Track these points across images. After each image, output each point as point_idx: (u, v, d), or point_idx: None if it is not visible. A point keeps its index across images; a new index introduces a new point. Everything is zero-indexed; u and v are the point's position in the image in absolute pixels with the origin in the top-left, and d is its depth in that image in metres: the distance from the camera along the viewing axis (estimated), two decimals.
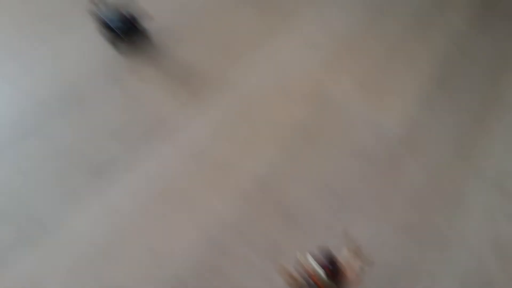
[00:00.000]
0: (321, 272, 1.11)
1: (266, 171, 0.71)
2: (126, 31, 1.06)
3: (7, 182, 0.73)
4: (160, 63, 1.02)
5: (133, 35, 1.08)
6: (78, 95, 0.93)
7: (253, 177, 0.71)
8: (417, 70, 1.28)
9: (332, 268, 1.10)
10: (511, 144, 1.21)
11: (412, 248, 1.17)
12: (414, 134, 1.13)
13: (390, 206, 1.21)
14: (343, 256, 1.15)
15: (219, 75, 0.97)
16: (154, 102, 0.90)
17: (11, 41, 1.08)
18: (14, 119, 0.86)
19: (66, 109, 0.87)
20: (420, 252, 1.16)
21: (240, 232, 1.14)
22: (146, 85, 0.94)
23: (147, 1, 1.21)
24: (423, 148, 1.16)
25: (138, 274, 0.93)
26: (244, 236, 1.14)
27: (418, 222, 1.21)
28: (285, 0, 1.21)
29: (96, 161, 0.74)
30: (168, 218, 0.73)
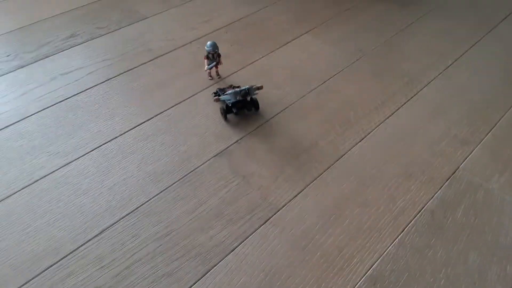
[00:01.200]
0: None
1: (381, 267, 0.64)
2: (239, 105, 1.05)
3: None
4: (267, 136, 0.99)
5: (244, 107, 1.06)
6: (188, 167, 0.90)
7: (365, 273, 0.64)
8: None
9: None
10: None
11: None
12: None
13: None
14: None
15: (331, 151, 0.93)
16: (260, 179, 0.88)
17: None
18: (123, 194, 0.82)
19: (176, 184, 0.84)
20: None
21: None
22: (252, 159, 0.91)
23: (264, 74, 1.17)
24: None
25: None
26: None
27: None
28: (405, 67, 1.16)
29: (198, 242, 0.70)
30: None
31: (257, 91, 1.11)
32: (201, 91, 1.19)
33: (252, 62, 1.31)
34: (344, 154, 1.02)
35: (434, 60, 1.35)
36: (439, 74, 1.29)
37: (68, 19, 1.48)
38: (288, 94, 1.19)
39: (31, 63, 1.28)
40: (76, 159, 0.99)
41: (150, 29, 1.45)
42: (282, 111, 1.14)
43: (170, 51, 1.35)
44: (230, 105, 1.08)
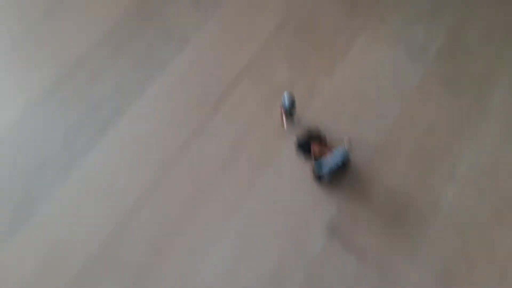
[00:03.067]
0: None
1: None
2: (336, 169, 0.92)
3: None
4: (363, 193, 0.90)
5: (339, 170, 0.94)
6: (305, 255, 0.91)
7: None
8: None
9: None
10: None
11: None
12: None
13: None
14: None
15: (427, 198, 0.89)
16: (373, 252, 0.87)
17: None
18: None
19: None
20: None
21: None
22: (359, 229, 0.86)
23: (333, 105, 1.00)
24: None
25: None
26: None
27: None
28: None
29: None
30: None
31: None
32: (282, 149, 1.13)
33: (317, 89, 1.21)
34: (442, 203, 1.04)
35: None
36: None
37: None
38: (367, 132, 1.15)
39: None
40: None
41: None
42: (368, 158, 1.11)
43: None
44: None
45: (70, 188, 1.10)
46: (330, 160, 1.03)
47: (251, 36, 1.31)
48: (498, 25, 1.30)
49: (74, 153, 1.14)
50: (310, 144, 1.08)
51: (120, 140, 1.15)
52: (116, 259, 1.01)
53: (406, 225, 1.04)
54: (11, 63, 1.28)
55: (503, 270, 0.97)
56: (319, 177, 1.07)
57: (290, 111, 1.09)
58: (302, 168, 1.11)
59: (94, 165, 1.12)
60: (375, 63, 1.27)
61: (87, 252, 1.02)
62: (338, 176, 1.10)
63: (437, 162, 1.11)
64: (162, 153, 1.12)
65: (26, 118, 1.19)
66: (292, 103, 1.07)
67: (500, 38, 1.29)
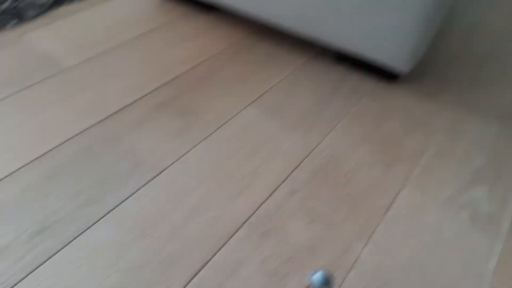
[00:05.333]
0: None
1: None
2: None
3: None
4: None
5: None
6: None
7: None
8: None
9: None
10: None
11: None
12: None
13: None
14: None
15: None
16: None
17: None
18: None
19: None
20: None
21: None
22: None
23: None
24: None
25: None
26: None
27: None
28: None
29: None
30: None
31: None
32: None
33: (350, 258, 0.80)
34: None
35: None
36: None
37: None
38: None
39: None
40: None
41: None
42: None
43: None
44: None
45: None
46: None
47: (251, 177, 0.96)
48: None
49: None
50: None
51: None
52: None
53: None
54: None
55: None
56: None
57: None
58: None
59: None
60: (431, 232, 0.89)
61: None
62: None
63: None
64: None
65: None
66: (327, 284, 0.65)
67: None
